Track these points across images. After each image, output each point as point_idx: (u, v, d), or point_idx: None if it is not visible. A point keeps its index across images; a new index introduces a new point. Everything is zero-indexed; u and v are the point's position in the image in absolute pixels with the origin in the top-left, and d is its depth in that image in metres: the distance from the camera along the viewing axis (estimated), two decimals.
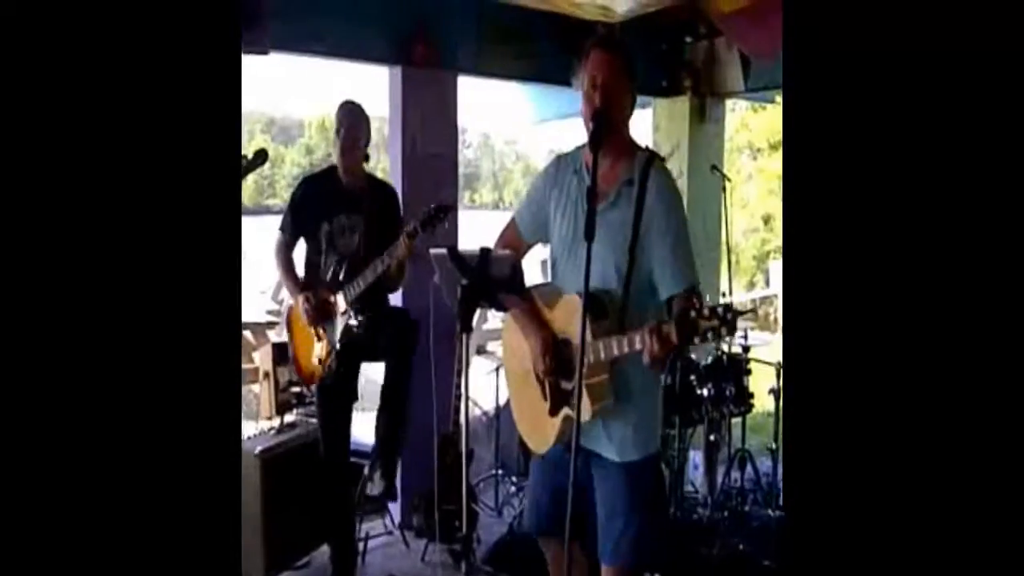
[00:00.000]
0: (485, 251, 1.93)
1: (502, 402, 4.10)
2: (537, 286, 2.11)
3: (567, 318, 1.96)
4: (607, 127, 1.88)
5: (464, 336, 1.96)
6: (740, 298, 9.59)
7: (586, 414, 1.89)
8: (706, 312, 1.62)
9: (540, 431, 2.08)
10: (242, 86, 1.19)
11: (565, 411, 1.99)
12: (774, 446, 4.11)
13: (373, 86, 3.97)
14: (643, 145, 2.05)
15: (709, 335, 1.62)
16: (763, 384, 4.15)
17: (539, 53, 4.36)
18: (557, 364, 2.00)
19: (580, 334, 1.72)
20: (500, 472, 4.21)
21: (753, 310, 1.70)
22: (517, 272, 1.99)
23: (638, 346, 1.74)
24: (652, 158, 2.00)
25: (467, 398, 2.11)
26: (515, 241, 2.12)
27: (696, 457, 4.26)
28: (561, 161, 2.09)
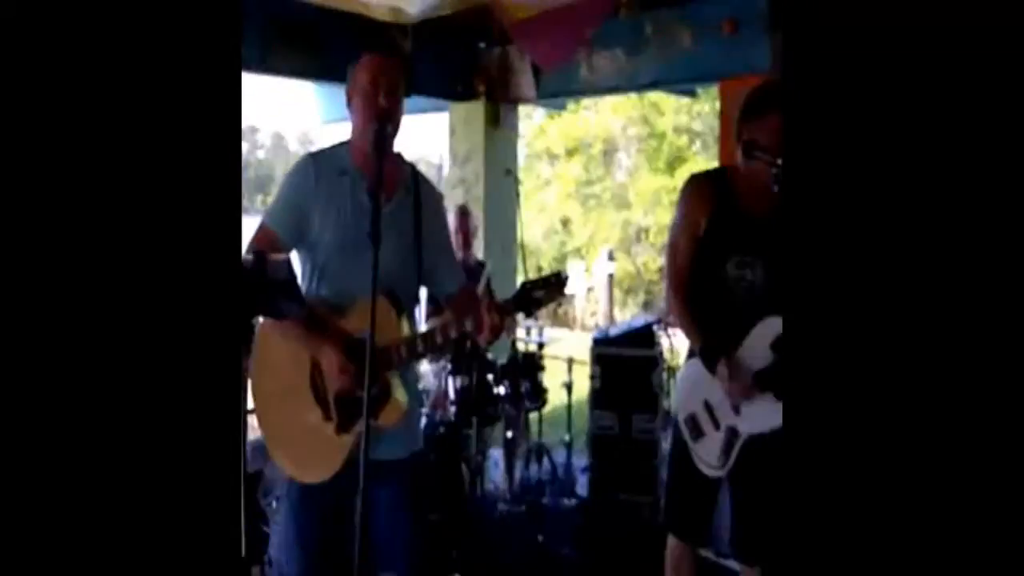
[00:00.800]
0: (260, 255, 1.83)
1: None
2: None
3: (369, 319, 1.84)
4: (392, 130, 1.88)
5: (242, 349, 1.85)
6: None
7: (394, 417, 1.88)
8: (541, 284, 1.81)
9: (320, 456, 1.91)
10: (242, 89, 1.18)
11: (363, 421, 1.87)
12: (567, 438, 4.29)
13: None
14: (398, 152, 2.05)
15: (546, 302, 1.83)
16: (557, 379, 4.32)
17: (328, 51, 4.25)
18: (357, 371, 1.87)
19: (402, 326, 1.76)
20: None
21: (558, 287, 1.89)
22: (293, 276, 1.91)
23: (468, 327, 1.82)
24: (414, 166, 2.07)
25: (246, 413, 1.98)
26: (273, 247, 1.92)
27: (497, 455, 4.35)
28: (319, 160, 1.98)
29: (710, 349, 2.23)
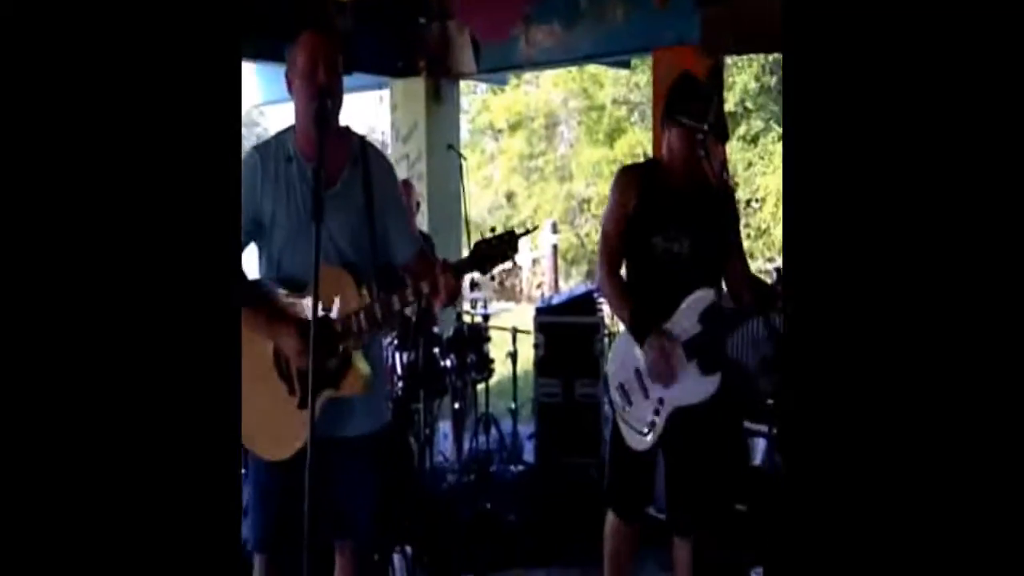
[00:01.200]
0: None
1: None
2: (258, 281, 1.99)
3: (330, 292, 1.85)
4: (333, 107, 1.88)
5: None
6: None
7: (358, 386, 1.91)
8: (494, 242, 1.82)
9: (282, 432, 1.92)
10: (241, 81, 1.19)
11: (326, 393, 1.90)
12: (513, 406, 4.40)
13: None
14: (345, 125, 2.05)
15: (499, 260, 1.83)
16: (503, 350, 4.42)
17: (266, 30, 4.21)
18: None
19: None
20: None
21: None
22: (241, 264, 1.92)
23: (425, 291, 1.83)
24: (362, 138, 2.06)
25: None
26: None
27: (446, 427, 4.44)
28: (264, 151, 1.98)
29: (640, 324, 2.32)
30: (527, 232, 1.90)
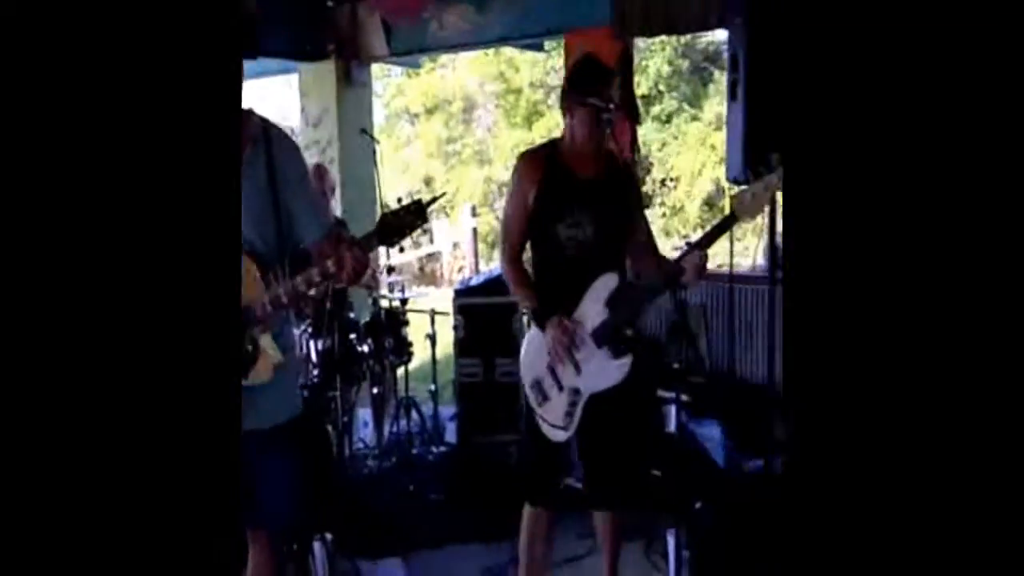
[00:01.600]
0: None
1: None
2: None
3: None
4: None
5: None
6: (407, 258, 9.95)
7: (266, 374, 1.88)
8: (401, 213, 1.79)
9: None
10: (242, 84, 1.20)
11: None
12: (433, 388, 4.41)
13: None
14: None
15: (407, 230, 1.82)
16: (423, 333, 4.41)
17: None
18: None
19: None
20: None
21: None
22: None
23: (331, 269, 1.79)
24: (264, 119, 2.02)
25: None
26: None
27: (366, 414, 4.41)
28: None
29: (542, 310, 2.32)
30: (433, 200, 1.87)
